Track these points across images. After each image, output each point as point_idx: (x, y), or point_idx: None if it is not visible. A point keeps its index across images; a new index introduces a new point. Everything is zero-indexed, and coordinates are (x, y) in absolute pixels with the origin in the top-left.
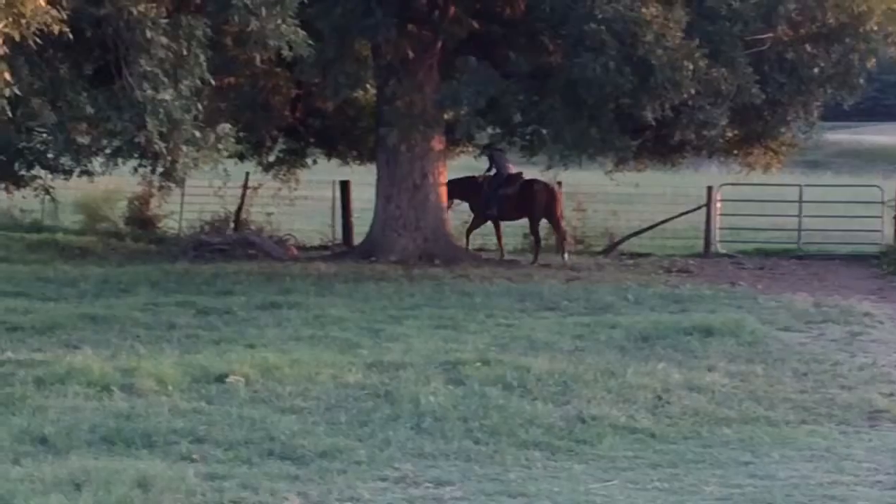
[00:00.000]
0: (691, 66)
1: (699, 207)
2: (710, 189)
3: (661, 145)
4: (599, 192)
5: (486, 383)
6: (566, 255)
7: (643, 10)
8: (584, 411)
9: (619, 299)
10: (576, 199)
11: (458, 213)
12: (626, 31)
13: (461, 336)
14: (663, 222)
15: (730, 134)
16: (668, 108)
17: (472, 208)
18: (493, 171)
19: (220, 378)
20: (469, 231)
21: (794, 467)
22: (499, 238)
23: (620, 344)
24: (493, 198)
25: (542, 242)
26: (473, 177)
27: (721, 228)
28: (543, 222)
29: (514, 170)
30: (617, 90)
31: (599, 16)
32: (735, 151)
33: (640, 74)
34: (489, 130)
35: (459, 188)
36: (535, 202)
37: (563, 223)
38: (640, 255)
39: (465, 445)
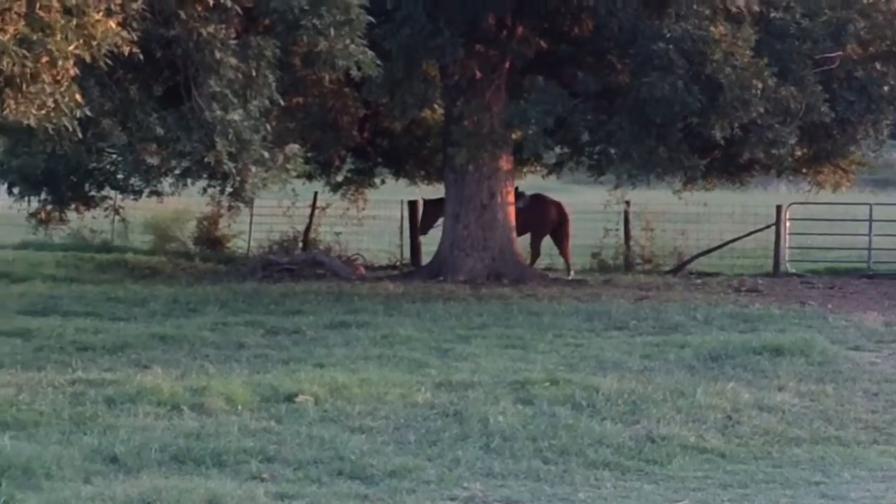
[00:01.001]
0: (760, 85)
1: (768, 226)
2: (779, 208)
3: (729, 164)
4: (668, 212)
5: (554, 403)
6: (572, 272)
7: (711, 28)
8: (654, 431)
9: (688, 319)
10: (644, 218)
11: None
12: (694, 50)
13: (529, 355)
14: (732, 241)
15: (799, 153)
16: (736, 127)
17: None
18: None
19: (290, 397)
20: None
21: (866, 488)
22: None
23: (689, 363)
24: None
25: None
26: None
27: (790, 247)
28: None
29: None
30: (685, 109)
31: (668, 35)
32: (804, 170)
33: (709, 93)
34: (557, 150)
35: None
36: (547, 217)
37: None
38: (708, 274)
39: (535, 465)
